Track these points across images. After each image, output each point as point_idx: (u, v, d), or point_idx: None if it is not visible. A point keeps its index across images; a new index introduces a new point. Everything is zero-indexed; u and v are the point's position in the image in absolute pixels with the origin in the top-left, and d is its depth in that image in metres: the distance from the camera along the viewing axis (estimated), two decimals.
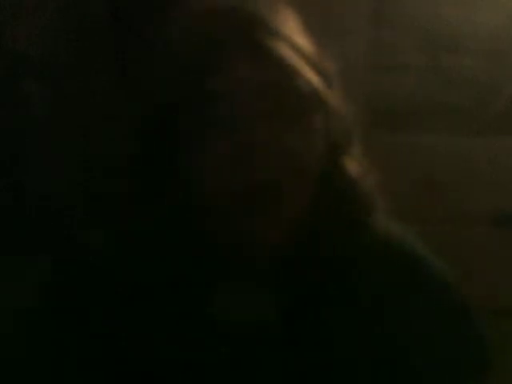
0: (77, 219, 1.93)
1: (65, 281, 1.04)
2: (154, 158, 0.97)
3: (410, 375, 0.99)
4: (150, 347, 0.97)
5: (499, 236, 2.09)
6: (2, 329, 1.05)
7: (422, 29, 2.06)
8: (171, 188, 0.96)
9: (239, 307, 0.98)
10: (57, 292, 1.03)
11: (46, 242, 1.90)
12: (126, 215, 1.03)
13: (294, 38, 0.96)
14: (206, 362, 0.97)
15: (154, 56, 1.02)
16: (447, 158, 2.06)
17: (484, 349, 1.03)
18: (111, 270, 1.00)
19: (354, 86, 1.07)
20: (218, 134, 0.92)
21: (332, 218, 0.98)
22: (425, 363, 0.99)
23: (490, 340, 1.03)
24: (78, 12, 2.02)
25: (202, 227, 0.96)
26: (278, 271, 0.99)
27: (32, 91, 1.96)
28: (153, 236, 0.98)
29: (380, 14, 1.84)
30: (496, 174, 2.09)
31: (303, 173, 0.93)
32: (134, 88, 1.05)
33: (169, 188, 0.96)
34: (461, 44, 2.11)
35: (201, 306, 0.98)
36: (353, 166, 1.00)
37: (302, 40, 0.98)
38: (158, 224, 0.98)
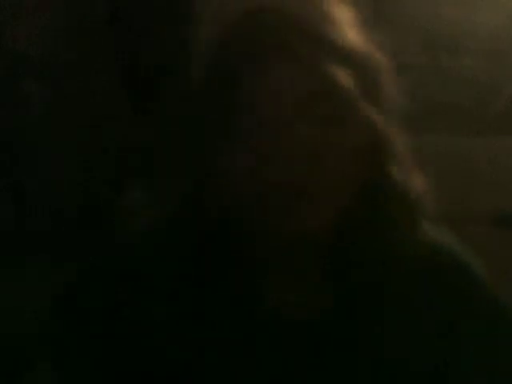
0: (77, 219, 1.93)
1: (95, 280, 1.03)
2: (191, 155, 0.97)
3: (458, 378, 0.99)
4: (190, 346, 0.97)
5: (499, 236, 2.09)
6: (23, 329, 1.04)
7: (422, 29, 2.06)
8: (209, 186, 0.95)
9: (281, 304, 0.98)
10: (84, 292, 1.02)
11: (47, 242, 1.90)
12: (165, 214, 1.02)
13: (338, 41, 0.94)
14: (251, 358, 0.97)
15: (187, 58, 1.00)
16: (447, 157, 2.05)
17: None
18: (148, 266, 1.00)
19: None
20: (255, 135, 0.91)
21: (377, 224, 0.97)
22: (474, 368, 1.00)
23: None
24: (78, 12, 2.02)
25: (239, 226, 0.96)
26: (317, 270, 0.99)
27: (32, 91, 1.96)
28: (189, 235, 0.98)
29: (380, 14, 1.84)
30: (496, 174, 2.09)
31: (338, 179, 0.93)
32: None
33: (208, 186, 0.95)
34: (461, 44, 2.11)
35: (240, 305, 0.98)
36: (400, 171, 0.98)
37: (350, 39, 0.96)
38: (197, 224, 0.97)
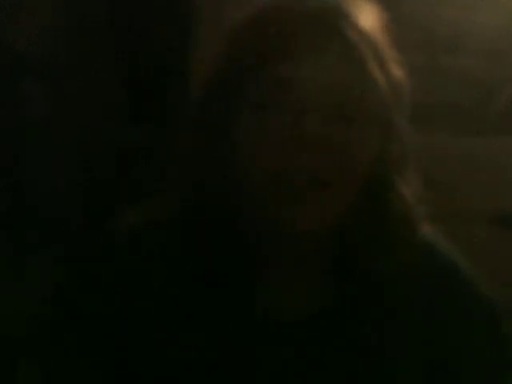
0: (77, 219, 1.93)
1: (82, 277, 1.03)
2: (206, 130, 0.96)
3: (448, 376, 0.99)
4: (185, 344, 0.98)
5: (499, 236, 2.08)
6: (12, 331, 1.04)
7: (422, 29, 2.06)
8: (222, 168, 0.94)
9: (277, 302, 0.99)
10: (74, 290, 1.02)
11: (46, 241, 1.90)
12: (164, 201, 1.02)
13: (373, 38, 0.94)
14: (247, 358, 0.97)
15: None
16: (447, 157, 2.05)
17: None
18: (140, 259, 1.00)
19: None
20: (278, 120, 0.91)
21: (378, 227, 0.98)
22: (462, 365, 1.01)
23: None
24: (78, 12, 2.02)
25: (240, 214, 0.96)
26: (316, 270, 0.99)
27: (32, 91, 1.96)
28: (187, 224, 0.98)
29: (380, 14, 1.84)
30: (496, 174, 2.09)
31: (352, 171, 0.93)
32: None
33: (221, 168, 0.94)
34: (461, 44, 2.11)
35: (240, 300, 0.98)
36: (406, 189, 0.98)
37: (381, 42, 0.96)
38: (197, 211, 0.97)
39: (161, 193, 1.04)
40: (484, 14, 2.10)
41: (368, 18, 0.96)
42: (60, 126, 1.98)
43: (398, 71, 0.97)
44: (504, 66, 2.13)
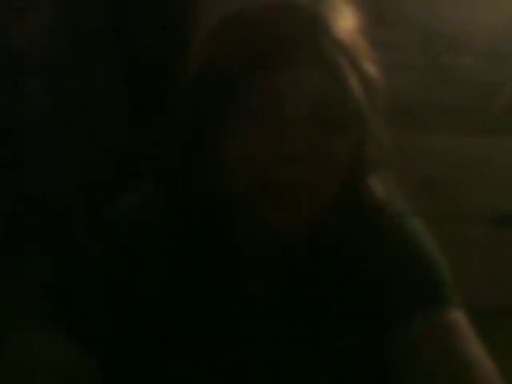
0: (76, 218, 1.94)
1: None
2: (194, 144, 0.98)
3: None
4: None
5: (499, 236, 2.09)
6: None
7: (422, 29, 2.07)
8: (210, 174, 0.97)
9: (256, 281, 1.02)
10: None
11: (46, 241, 1.91)
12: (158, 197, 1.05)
13: (351, 47, 0.95)
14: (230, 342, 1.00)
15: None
16: (447, 157, 2.06)
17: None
18: (138, 250, 1.01)
19: None
20: (259, 128, 0.93)
21: (351, 221, 1.00)
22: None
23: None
24: (78, 12, 2.02)
25: (226, 215, 0.99)
26: (291, 259, 1.02)
27: (32, 91, 1.97)
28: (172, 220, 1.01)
29: (380, 14, 1.84)
30: (496, 174, 2.09)
31: (330, 176, 0.95)
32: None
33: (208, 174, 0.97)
34: (461, 44, 2.12)
35: (223, 285, 1.01)
36: (380, 187, 1.01)
37: (357, 46, 0.97)
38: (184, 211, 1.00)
39: (151, 185, 1.07)
40: (484, 14, 2.10)
41: (346, 23, 0.98)
42: (60, 125, 1.99)
43: (373, 72, 0.98)
44: (504, 65, 2.14)
